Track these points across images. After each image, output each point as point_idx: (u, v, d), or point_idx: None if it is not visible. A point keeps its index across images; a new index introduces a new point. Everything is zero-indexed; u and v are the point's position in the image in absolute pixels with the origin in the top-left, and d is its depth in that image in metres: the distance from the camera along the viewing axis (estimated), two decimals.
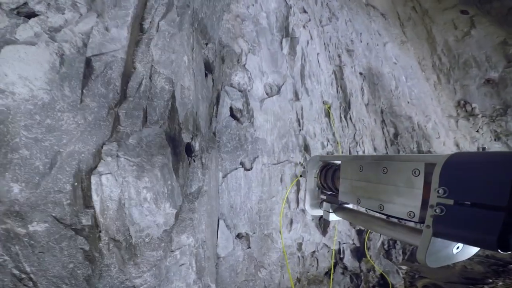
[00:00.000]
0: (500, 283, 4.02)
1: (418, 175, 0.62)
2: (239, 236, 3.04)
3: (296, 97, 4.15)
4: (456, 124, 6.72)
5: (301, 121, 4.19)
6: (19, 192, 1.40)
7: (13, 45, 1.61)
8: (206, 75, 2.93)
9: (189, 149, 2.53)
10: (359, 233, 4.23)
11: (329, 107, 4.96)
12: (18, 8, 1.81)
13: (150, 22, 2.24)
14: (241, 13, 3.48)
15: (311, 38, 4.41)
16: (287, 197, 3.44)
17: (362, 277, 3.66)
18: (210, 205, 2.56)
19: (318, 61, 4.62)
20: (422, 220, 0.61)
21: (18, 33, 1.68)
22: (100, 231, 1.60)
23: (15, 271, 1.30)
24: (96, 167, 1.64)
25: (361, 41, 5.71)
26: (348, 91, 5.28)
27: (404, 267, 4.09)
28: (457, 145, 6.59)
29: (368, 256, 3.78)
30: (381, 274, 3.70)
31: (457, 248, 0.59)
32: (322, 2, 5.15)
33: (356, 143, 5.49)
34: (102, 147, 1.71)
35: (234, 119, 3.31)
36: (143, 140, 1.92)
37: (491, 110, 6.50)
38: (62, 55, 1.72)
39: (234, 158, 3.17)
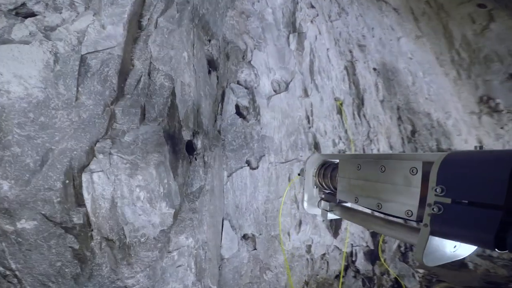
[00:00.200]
0: None
1: (416, 173, 0.62)
2: (244, 237, 2.96)
3: (305, 93, 4.03)
4: (478, 121, 6.34)
5: (310, 118, 4.06)
6: (9, 189, 1.38)
7: (7, 44, 1.61)
8: (209, 72, 2.88)
9: (190, 147, 2.48)
10: (374, 235, 4.04)
11: (341, 104, 4.79)
12: (17, 8, 1.83)
13: (149, 19, 2.21)
14: (246, 9, 3.42)
15: (320, 33, 4.27)
16: (295, 197, 3.33)
17: (375, 281, 3.49)
18: (213, 205, 2.50)
19: (328, 56, 4.47)
20: (420, 219, 0.61)
21: (13, 32, 1.68)
22: (92, 230, 1.56)
23: (0, 268, 1.28)
24: (88, 164, 1.61)
25: (373, 36, 5.49)
26: (361, 87, 5.09)
27: (421, 271, 3.86)
28: (480, 142, 6.22)
29: (382, 259, 3.59)
30: (396, 278, 3.50)
31: (455, 247, 0.59)
32: None
33: (371, 140, 5.28)
34: (95, 144, 1.68)
35: (240, 117, 3.24)
36: (139, 137, 1.88)
37: None
38: (56, 53, 1.71)
39: (239, 157, 3.10)
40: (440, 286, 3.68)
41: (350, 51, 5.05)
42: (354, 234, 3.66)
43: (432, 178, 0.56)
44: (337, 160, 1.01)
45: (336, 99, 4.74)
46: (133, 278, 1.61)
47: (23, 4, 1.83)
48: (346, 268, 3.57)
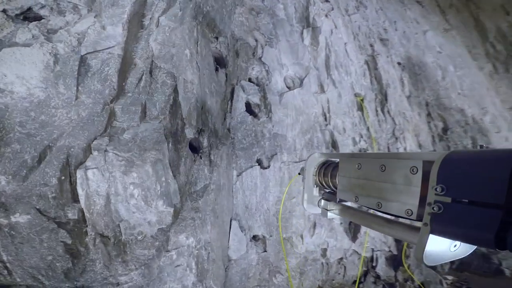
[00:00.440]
0: None
1: (416, 172, 0.62)
2: (254, 238, 2.87)
3: (322, 89, 3.87)
4: None
5: (327, 115, 3.89)
6: (6, 184, 1.43)
7: (10, 47, 1.68)
8: (217, 69, 2.85)
9: (196, 145, 2.46)
10: (398, 240, 3.75)
11: (362, 100, 4.54)
12: (24, 13, 1.92)
13: (150, 18, 2.22)
14: (256, 6, 3.35)
15: (336, 27, 4.09)
16: None
17: (397, 287, 3.22)
18: (218, 205, 2.44)
19: (346, 51, 4.27)
20: (420, 218, 0.60)
21: (17, 36, 1.75)
22: (87, 226, 1.57)
23: None
24: (85, 161, 1.63)
25: (396, 30, 5.18)
26: (384, 82, 4.81)
27: (450, 277, 3.49)
28: None
29: (405, 265, 3.31)
30: (420, 285, 3.21)
31: (455, 246, 0.58)
32: None
33: (396, 138, 4.96)
34: (93, 141, 1.70)
35: (250, 115, 3.17)
36: (138, 135, 1.88)
37: None
38: (56, 55, 1.76)
39: (249, 156, 3.03)
40: None
41: (371, 45, 4.79)
42: (375, 238, 3.42)
43: (432, 177, 0.55)
44: (338, 159, 1.01)
45: (356, 95, 4.51)
46: (126, 275, 1.59)
47: (30, 9, 1.92)
48: (366, 274, 3.34)
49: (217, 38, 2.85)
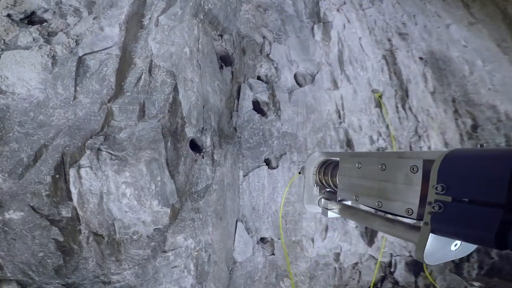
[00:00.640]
0: None
1: (417, 172, 0.61)
2: (262, 241, 2.78)
3: (335, 85, 3.71)
4: None
5: (341, 112, 3.72)
6: (2, 182, 1.46)
7: (10, 50, 1.74)
8: (221, 67, 2.81)
9: (199, 145, 2.42)
10: None
11: (380, 96, 4.31)
12: (28, 17, 1.98)
13: (150, 18, 2.22)
14: (263, 2, 3.28)
15: (348, 21, 3.91)
16: None
17: None
18: (221, 205, 2.38)
19: (361, 45, 4.07)
20: (420, 217, 0.60)
21: (19, 39, 1.81)
22: (80, 224, 1.57)
23: None
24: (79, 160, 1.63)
25: (416, 24, 4.89)
26: (404, 77, 4.54)
27: (476, 284, 3.16)
28: None
29: (426, 271, 3.05)
30: None
31: (456, 245, 0.58)
32: None
33: (419, 137, 4.66)
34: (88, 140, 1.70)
35: (258, 113, 3.09)
36: (135, 134, 1.87)
37: None
38: (54, 56, 1.79)
39: (257, 155, 2.95)
40: None
41: (389, 40, 4.55)
42: (393, 243, 3.20)
43: (432, 176, 0.55)
44: (338, 159, 1.00)
45: (374, 91, 4.28)
46: (119, 274, 1.57)
47: (33, 13, 1.98)
48: (383, 279, 3.12)
49: (221, 35, 2.81)
